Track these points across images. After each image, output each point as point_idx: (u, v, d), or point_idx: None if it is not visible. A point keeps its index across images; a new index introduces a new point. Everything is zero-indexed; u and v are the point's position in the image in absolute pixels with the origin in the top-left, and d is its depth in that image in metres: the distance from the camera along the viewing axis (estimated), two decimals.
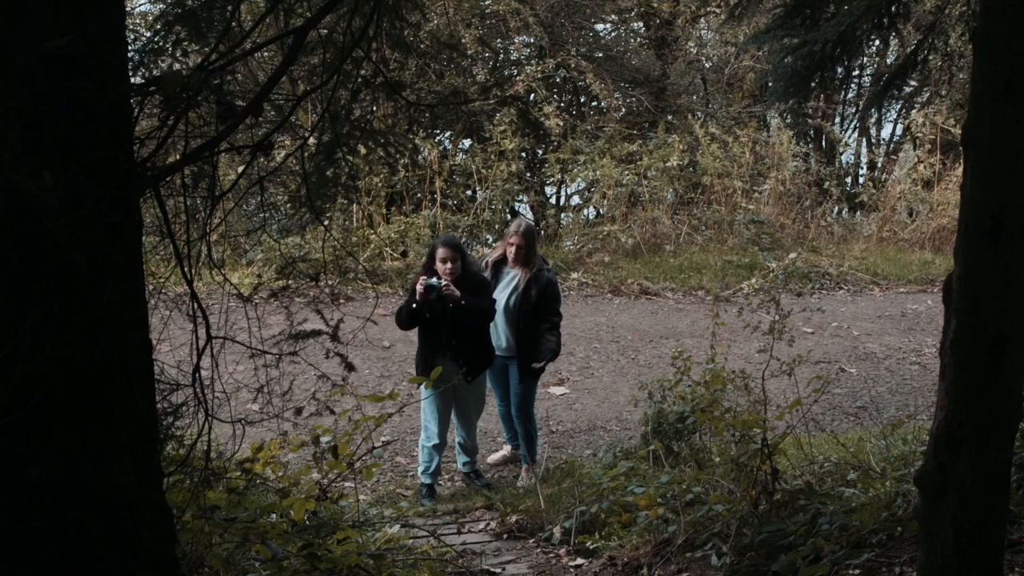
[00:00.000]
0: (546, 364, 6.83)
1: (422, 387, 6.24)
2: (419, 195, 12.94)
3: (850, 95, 16.66)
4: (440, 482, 6.89)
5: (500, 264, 6.80)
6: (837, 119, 16.74)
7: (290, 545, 3.93)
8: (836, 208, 15.01)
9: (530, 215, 14.69)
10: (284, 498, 4.64)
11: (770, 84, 6.85)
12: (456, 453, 6.90)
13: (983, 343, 2.67)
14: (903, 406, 8.21)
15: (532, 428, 6.95)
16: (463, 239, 12.73)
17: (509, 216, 14.03)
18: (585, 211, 14.24)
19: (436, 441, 6.52)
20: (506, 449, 7.31)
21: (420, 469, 6.64)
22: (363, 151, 3.40)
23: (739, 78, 15.50)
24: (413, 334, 6.73)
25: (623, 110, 15.02)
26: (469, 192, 13.36)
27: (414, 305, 6.29)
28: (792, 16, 5.76)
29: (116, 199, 2.55)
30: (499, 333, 6.76)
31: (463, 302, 6.31)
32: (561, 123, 13.05)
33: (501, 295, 6.71)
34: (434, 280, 6.23)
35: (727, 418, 5.69)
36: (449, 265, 6.31)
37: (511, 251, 6.71)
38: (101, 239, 2.50)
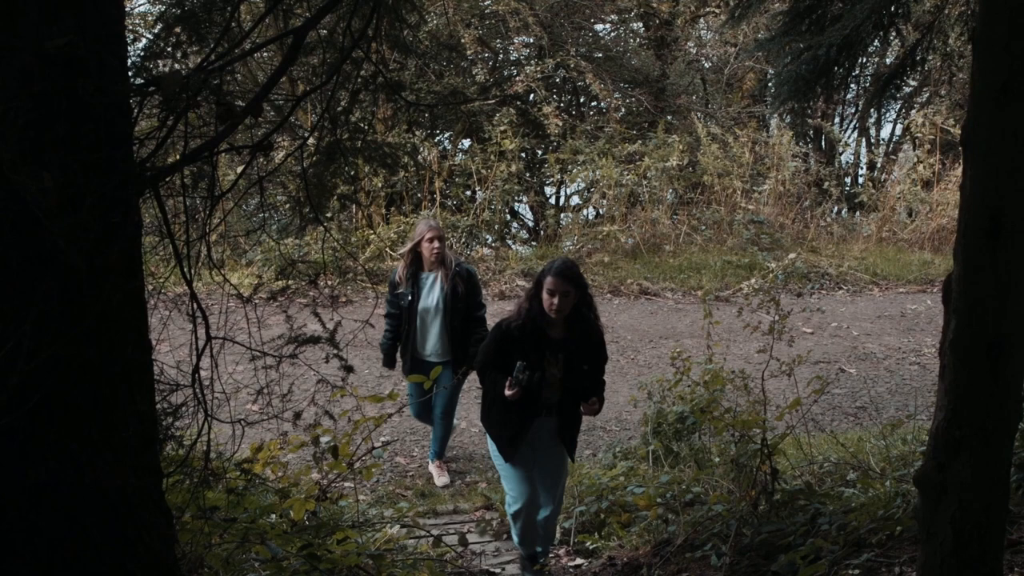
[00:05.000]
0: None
1: (495, 452, 5.18)
2: (419, 195, 12.94)
3: (850, 95, 16.67)
4: (445, 486, 6.88)
5: (416, 272, 6.60)
6: (837, 119, 16.75)
7: (290, 545, 3.93)
8: (836, 208, 15.01)
9: (530, 215, 14.71)
10: (284, 498, 4.64)
11: (772, 88, 6.85)
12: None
13: (983, 343, 2.67)
14: (903, 406, 8.21)
15: (451, 427, 6.97)
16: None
17: (509, 216, 14.04)
18: (585, 211, 14.24)
19: (520, 504, 5.16)
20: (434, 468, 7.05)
21: (516, 539, 5.40)
22: (362, 158, 3.40)
23: (738, 78, 15.50)
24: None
25: (623, 110, 15.03)
26: (469, 192, 13.35)
27: (507, 392, 4.87)
28: (797, 22, 5.75)
29: (116, 199, 2.55)
30: (431, 337, 6.61)
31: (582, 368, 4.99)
32: (561, 123, 13.05)
33: (429, 299, 6.56)
34: (518, 374, 4.84)
35: (727, 418, 5.70)
36: (557, 300, 4.84)
37: (432, 251, 6.52)
38: (101, 239, 2.50)
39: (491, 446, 5.20)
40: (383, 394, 5.63)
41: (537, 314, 4.90)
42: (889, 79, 6.35)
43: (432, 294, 6.57)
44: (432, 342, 6.62)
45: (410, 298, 6.58)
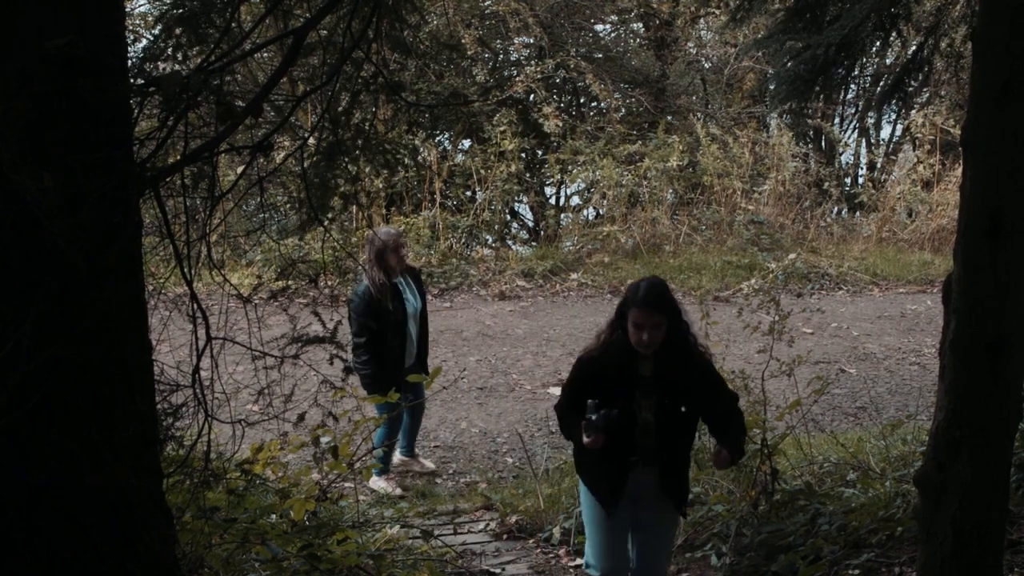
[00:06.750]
0: None
1: (588, 503, 4.18)
2: (419, 196, 12.94)
3: (850, 95, 16.66)
4: (439, 481, 6.88)
5: (388, 280, 6.40)
6: (837, 119, 16.74)
7: (290, 546, 3.93)
8: (836, 208, 15.00)
9: (530, 216, 14.71)
10: (284, 499, 4.64)
11: (772, 88, 6.84)
12: None
13: (982, 343, 2.68)
14: (903, 406, 8.20)
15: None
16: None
17: (509, 216, 14.03)
18: (585, 211, 14.24)
19: (600, 572, 4.15)
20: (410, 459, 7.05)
21: None
22: (363, 158, 3.41)
23: (739, 79, 15.50)
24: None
25: (623, 110, 15.02)
26: (469, 193, 13.36)
27: (585, 440, 3.91)
28: (794, 20, 5.75)
29: (116, 199, 2.56)
30: (412, 343, 6.57)
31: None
32: (561, 124, 13.05)
33: (413, 304, 6.54)
34: (591, 415, 3.88)
35: None
36: (647, 336, 3.91)
37: (402, 257, 6.49)
38: (101, 239, 2.50)
39: (583, 495, 4.22)
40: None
41: (623, 348, 4.02)
42: (895, 85, 6.35)
43: (412, 298, 6.57)
44: (411, 348, 6.58)
45: (390, 308, 6.39)
